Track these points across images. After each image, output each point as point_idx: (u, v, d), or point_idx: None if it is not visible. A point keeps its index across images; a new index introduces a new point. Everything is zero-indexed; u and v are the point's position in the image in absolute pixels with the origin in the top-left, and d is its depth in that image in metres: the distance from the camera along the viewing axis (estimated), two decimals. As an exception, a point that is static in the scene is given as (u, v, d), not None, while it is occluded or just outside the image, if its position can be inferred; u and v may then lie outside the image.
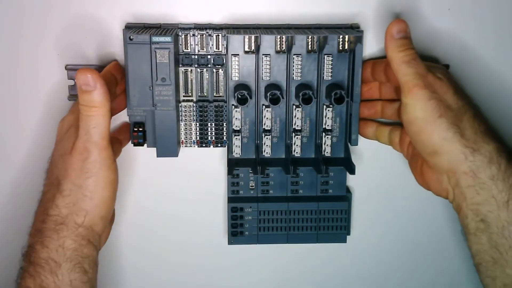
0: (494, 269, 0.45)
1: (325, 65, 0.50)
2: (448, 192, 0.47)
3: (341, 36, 0.50)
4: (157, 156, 0.50)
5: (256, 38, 0.49)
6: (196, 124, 0.52)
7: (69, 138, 0.46)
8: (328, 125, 0.52)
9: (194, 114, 0.52)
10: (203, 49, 0.50)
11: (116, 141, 0.51)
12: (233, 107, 0.51)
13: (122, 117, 0.53)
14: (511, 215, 0.44)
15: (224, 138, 0.52)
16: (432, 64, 0.50)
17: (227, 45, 0.50)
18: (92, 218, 0.45)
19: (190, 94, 0.51)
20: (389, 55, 0.46)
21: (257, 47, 0.50)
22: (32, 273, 0.43)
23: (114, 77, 0.48)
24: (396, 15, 0.52)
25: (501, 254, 0.44)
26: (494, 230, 0.44)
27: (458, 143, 0.45)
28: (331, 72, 0.51)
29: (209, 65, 0.51)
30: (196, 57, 0.51)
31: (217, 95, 0.52)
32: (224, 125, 0.52)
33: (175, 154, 0.51)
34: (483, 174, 0.44)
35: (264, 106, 0.52)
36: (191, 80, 0.51)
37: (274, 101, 0.50)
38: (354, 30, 0.50)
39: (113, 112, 0.51)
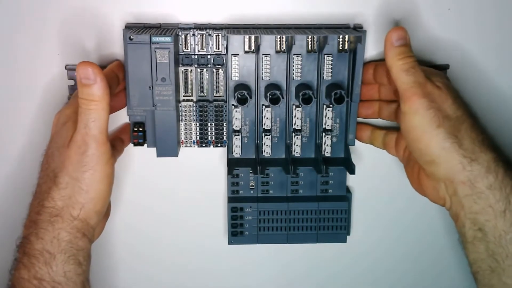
0: (491, 277, 0.45)
1: (325, 65, 0.50)
2: (445, 200, 0.47)
3: (341, 36, 0.50)
4: (157, 156, 0.50)
5: (256, 38, 0.49)
6: (196, 124, 0.52)
7: (67, 131, 0.46)
8: (328, 125, 0.52)
9: (194, 114, 0.52)
10: (203, 49, 0.50)
11: (119, 140, 0.51)
12: (233, 107, 0.51)
13: (123, 117, 0.53)
14: (508, 224, 0.44)
15: (224, 138, 0.52)
16: (432, 71, 0.50)
17: (227, 45, 0.50)
18: (87, 211, 0.45)
19: (190, 94, 0.51)
20: (389, 63, 0.46)
21: (257, 47, 0.50)
22: (27, 264, 0.43)
23: (116, 76, 0.48)
24: (396, 15, 0.52)
25: (498, 263, 0.44)
26: (491, 239, 0.45)
27: (456, 153, 0.45)
28: (331, 72, 0.51)
29: (209, 65, 0.51)
30: (196, 57, 0.51)
31: (217, 95, 0.52)
32: (224, 125, 0.52)
33: (175, 154, 0.51)
34: (480, 183, 0.45)
35: (264, 106, 0.52)
36: (191, 80, 0.51)
37: (274, 101, 0.50)
38: (354, 30, 0.50)
39: (112, 110, 0.51)
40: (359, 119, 0.53)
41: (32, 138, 0.53)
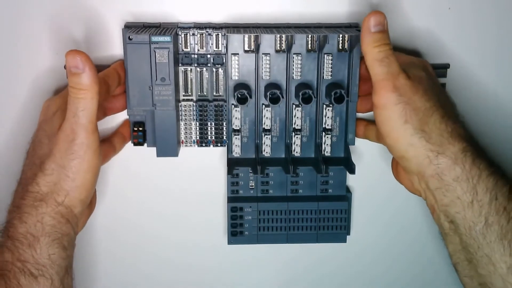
0: (470, 268, 0.45)
1: (325, 64, 0.50)
2: (420, 192, 0.47)
3: (341, 35, 0.50)
4: (157, 156, 0.50)
5: (256, 37, 0.49)
6: (196, 124, 0.52)
7: (57, 120, 0.46)
8: (328, 125, 0.52)
9: (194, 114, 0.52)
10: (202, 49, 0.50)
11: (119, 136, 0.52)
12: (233, 106, 0.51)
13: (122, 117, 0.52)
14: (476, 215, 0.43)
15: (224, 138, 0.52)
16: (410, 59, 0.49)
17: (226, 44, 0.50)
18: (72, 199, 0.45)
19: (190, 93, 0.51)
20: (364, 49, 0.45)
21: (257, 46, 0.50)
22: (11, 247, 0.43)
23: (118, 75, 0.48)
24: (396, 14, 0.52)
25: (472, 254, 0.44)
26: (463, 231, 0.44)
27: (423, 148, 0.44)
28: (331, 72, 0.51)
29: (208, 65, 0.51)
30: (195, 56, 0.50)
31: (217, 95, 0.52)
32: (224, 125, 0.52)
33: (175, 153, 0.51)
34: (447, 176, 0.44)
35: (264, 106, 0.51)
36: (191, 80, 0.51)
37: (274, 100, 0.50)
38: (354, 29, 0.50)
39: (112, 111, 0.51)
40: (358, 115, 0.53)
41: (30, 137, 0.53)
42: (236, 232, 0.55)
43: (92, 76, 0.43)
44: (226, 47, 0.50)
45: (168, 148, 0.50)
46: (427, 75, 0.47)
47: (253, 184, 0.54)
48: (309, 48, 0.50)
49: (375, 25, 0.44)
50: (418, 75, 0.46)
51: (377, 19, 0.44)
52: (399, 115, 0.44)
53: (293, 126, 0.52)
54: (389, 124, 0.45)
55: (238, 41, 0.50)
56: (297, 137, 0.52)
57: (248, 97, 0.49)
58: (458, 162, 0.44)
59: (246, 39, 0.50)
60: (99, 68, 0.50)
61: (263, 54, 0.50)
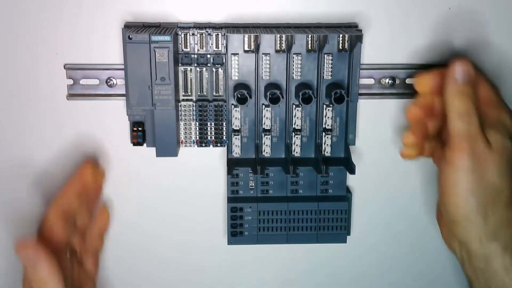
0: None
1: (325, 64, 0.50)
2: (457, 254, 0.45)
3: (341, 35, 0.49)
4: (157, 156, 0.50)
5: (255, 37, 0.49)
6: (196, 124, 0.52)
7: None
8: (328, 125, 0.52)
9: (194, 114, 0.52)
10: (202, 48, 0.50)
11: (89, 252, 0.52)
12: (232, 106, 0.51)
13: (123, 117, 0.52)
14: None
15: (224, 138, 0.52)
16: (499, 118, 0.44)
17: (226, 44, 0.50)
18: None
19: (189, 93, 0.51)
20: (446, 99, 0.42)
21: (257, 46, 0.50)
22: None
23: (78, 201, 0.47)
24: (396, 14, 0.52)
25: None
26: None
27: (479, 228, 0.41)
28: (331, 72, 0.50)
29: (208, 65, 0.51)
30: (195, 56, 0.50)
31: (216, 95, 0.51)
32: (224, 125, 0.52)
33: (174, 154, 0.50)
34: (495, 263, 0.42)
35: (264, 106, 0.51)
36: (191, 80, 0.51)
37: (274, 100, 0.50)
38: (354, 29, 0.50)
39: (102, 231, 0.52)
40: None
41: (29, 138, 0.53)
42: (236, 232, 0.54)
43: (50, 264, 0.42)
44: (226, 47, 0.50)
45: (168, 148, 0.50)
46: (507, 142, 0.43)
47: (253, 184, 0.54)
48: (309, 48, 0.50)
49: (462, 74, 0.42)
50: (501, 144, 0.42)
51: (464, 68, 0.42)
52: (467, 182, 0.41)
53: (293, 126, 0.52)
54: (452, 187, 0.42)
55: (238, 41, 0.50)
56: (297, 137, 0.52)
57: (248, 97, 0.49)
58: (508, 250, 0.41)
59: (246, 39, 0.50)
60: (97, 67, 0.51)
61: (263, 54, 0.50)
